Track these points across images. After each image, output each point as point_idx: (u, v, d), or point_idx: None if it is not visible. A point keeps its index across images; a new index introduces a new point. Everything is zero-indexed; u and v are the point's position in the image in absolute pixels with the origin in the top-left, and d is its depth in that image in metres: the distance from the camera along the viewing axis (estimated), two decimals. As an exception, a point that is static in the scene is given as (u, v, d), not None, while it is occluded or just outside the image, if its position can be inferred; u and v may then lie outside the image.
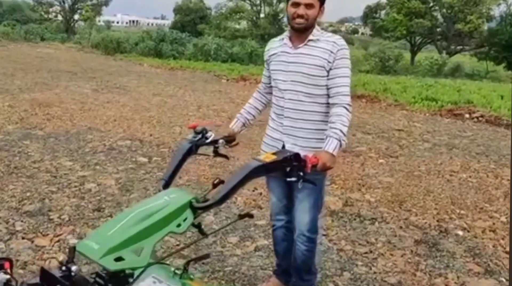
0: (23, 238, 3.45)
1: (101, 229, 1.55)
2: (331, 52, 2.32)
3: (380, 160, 6.09)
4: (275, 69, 2.49)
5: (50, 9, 44.91)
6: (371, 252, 3.52)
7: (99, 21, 49.23)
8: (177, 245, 3.38)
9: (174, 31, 27.35)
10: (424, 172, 5.65)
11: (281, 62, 2.45)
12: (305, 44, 2.38)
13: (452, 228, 4.05)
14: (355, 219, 4.17)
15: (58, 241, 3.41)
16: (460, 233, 3.96)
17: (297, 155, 1.92)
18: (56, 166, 5.05)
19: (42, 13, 44.72)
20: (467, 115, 9.73)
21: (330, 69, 2.33)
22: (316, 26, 2.41)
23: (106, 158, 5.46)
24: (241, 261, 3.28)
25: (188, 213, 1.64)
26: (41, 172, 4.83)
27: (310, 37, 2.37)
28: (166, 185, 2.04)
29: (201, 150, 2.29)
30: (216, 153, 2.41)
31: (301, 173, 1.94)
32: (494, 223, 4.20)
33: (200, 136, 2.25)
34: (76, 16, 44.29)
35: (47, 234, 3.51)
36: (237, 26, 37.63)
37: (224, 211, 4.13)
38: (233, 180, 1.76)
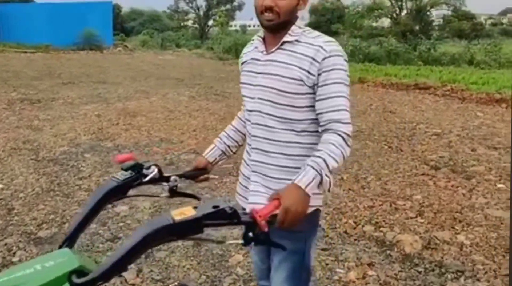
0: (15, 270, 3.25)
1: None
2: (313, 60, 1.65)
3: (499, 185, 4.85)
4: (242, 82, 1.89)
5: (186, 17, 48.58)
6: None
7: (234, 25, 51.57)
8: None
9: (307, 31, 27.28)
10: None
11: (248, 73, 1.84)
12: (278, 48, 1.74)
13: None
14: (433, 270, 3.26)
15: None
16: None
17: (232, 209, 1.34)
18: (100, 184, 4.90)
19: (179, 21, 48.57)
20: None
21: (316, 85, 1.66)
22: (298, 22, 1.74)
23: (156, 175, 5.18)
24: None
25: None
26: (81, 190, 4.71)
27: (286, 37, 1.72)
28: (68, 243, 1.49)
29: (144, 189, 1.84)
30: (173, 193, 1.83)
31: (250, 234, 1.37)
32: None
33: (133, 173, 1.68)
34: (210, 22, 46.94)
35: (39, 268, 3.27)
36: (374, 24, 36.30)
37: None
38: (125, 246, 1.26)
